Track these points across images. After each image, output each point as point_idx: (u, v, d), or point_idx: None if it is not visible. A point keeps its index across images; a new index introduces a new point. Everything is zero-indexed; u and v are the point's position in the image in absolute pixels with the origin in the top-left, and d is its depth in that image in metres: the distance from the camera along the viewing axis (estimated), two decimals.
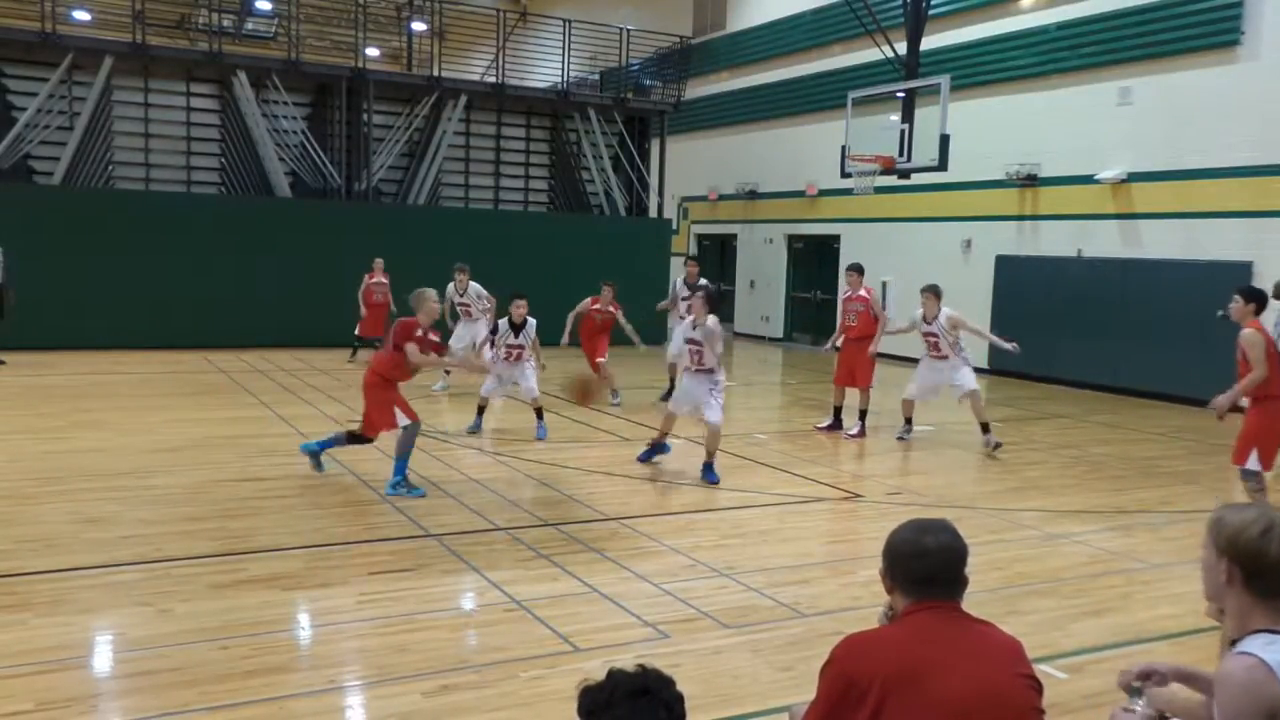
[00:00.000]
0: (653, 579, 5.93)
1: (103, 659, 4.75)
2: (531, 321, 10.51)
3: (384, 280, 15.95)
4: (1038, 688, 2.51)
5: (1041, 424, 12.41)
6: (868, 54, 16.85)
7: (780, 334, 22.69)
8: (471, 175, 21.43)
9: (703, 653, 4.87)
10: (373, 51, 27.37)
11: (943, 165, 13.29)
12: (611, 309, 12.58)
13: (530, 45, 23.41)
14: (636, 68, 23.62)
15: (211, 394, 12.61)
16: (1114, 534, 7.42)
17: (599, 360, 12.63)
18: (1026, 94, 16.71)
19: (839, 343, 11.53)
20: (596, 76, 24.28)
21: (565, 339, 12.56)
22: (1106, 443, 11.26)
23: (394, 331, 7.81)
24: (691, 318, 8.81)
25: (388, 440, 9.21)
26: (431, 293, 8.18)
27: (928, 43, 15.42)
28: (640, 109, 22.29)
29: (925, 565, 2.55)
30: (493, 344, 10.73)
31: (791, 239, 22.49)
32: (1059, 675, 4.67)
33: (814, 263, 21.82)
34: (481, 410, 10.62)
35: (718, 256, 24.54)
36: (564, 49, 21.20)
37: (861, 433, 11.03)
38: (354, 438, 8.05)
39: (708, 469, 8.61)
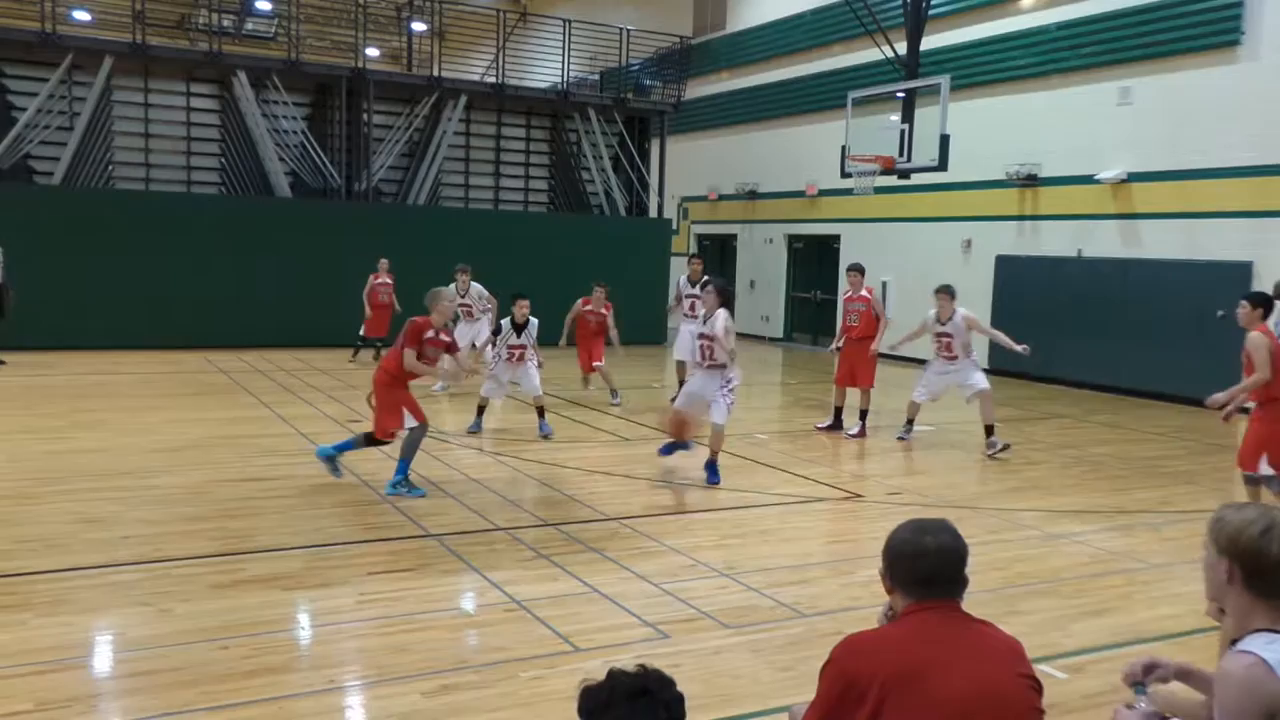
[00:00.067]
0: (653, 579, 5.93)
1: (103, 659, 4.75)
2: (534, 321, 10.58)
3: (389, 281, 15.98)
4: (1038, 688, 2.51)
5: (1042, 424, 12.41)
6: (868, 54, 16.85)
7: (780, 334, 22.70)
8: (471, 175, 21.44)
9: (703, 653, 4.87)
10: (373, 51, 27.39)
11: (943, 165, 13.29)
12: (604, 310, 12.58)
13: (530, 45, 23.41)
14: (636, 68, 23.63)
15: (211, 394, 12.61)
16: (1114, 534, 7.42)
17: (596, 364, 12.62)
18: (1026, 94, 16.72)
19: (840, 343, 11.53)
20: (596, 77, 24.28)
21: (563, 341, 12.60)
22: (1106, 443, 11.26)
23: (404, 331, 7.79)
24: (704, 312, 8.70)
25: (391, 445, 9.21)
26: (448, 292, 8.22)
27: (928, 43, 15.42)
28: (640, 109, 22.30)
29: (925, 565, 2.55)
30: (494, 344, 10.76)
31: (791, 239, 22.49)
32: (1059, 675, 4.67)
33: (814, 263, 21.82)
34: (481, 410, 10.63)
35: (718, 256, 24.53)
36: (564, 49, 21.20)
37: (862, 433, 11.03)
38: (371, 439, 7.94)
39: (711, 468, 8.58)
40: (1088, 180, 15.58)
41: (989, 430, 10.18)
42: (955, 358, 10.32)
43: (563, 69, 21.37)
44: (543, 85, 22.15)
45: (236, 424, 10.59)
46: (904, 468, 9.85)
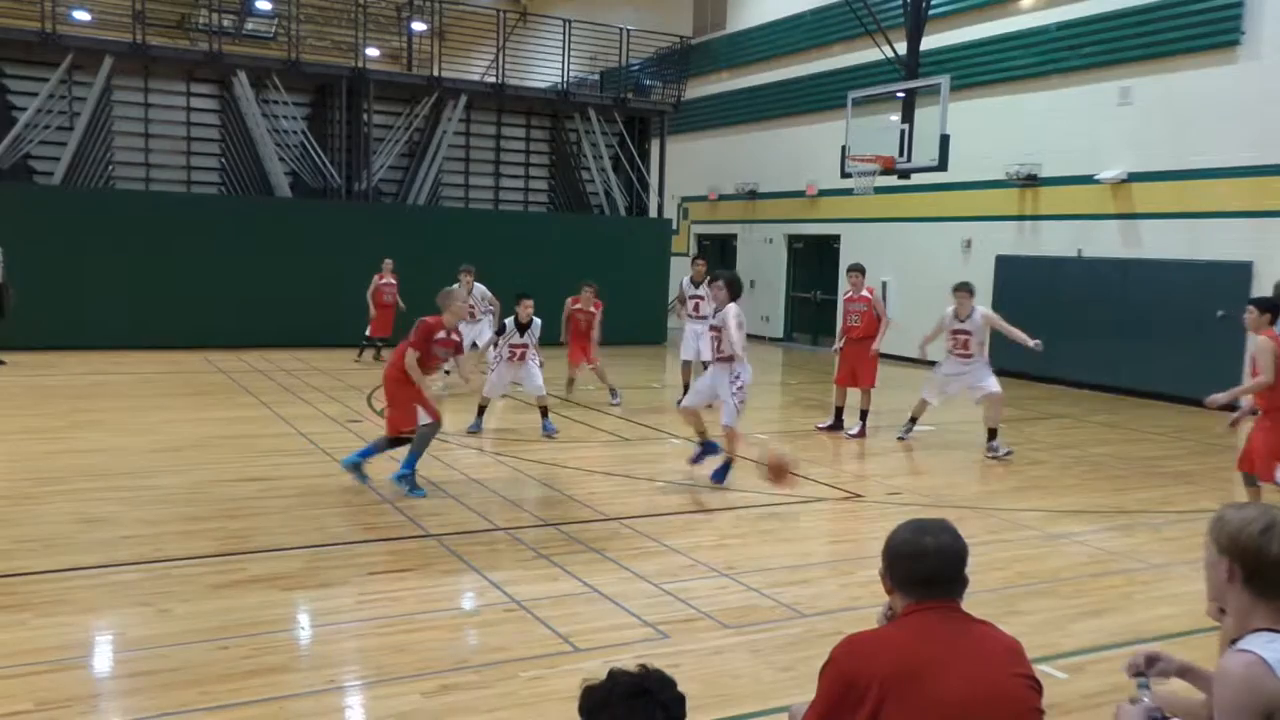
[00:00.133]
0: (653, 579, 5.93)
1: (103, 659, 4.75)
2: (537, 321, 10.62)
3: (393, 281, 16.02)
4: (1037, 688, 2.51)
5: (1042, 424, 12.41)
6: (868, 54, 16.85)
7: (780, 334, 22.70)
8: (471, 175, 21.43)
9: (703, 653, 4.87)
10: (373, 51, 27.38)
11: (943, 165, 13.28)
12: (593, 309, 12.54)
13: (530, 45, 23.41)
14: (636, 68, 23.63)
15: (211, 394, 12.61)
16: (1114, 534, 7.42)
17: (592, 365, 12.60)
18: (1026, 94, 16.72)
19: (841, 344, 11.51)
20: (596, 77, 24.28)
21: (564, 336, 12.62)
22: (1107, 443, 11.26)
23: (415, 331, 7.75)
24: (714, 307, 8.53)
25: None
26: (460, 292, 8.21)
27: (928, 43, 15.42)
28: (640, 109, 22.29)
29: (924, 566, 2.55)
30: (496, 344, 10.77)
31: (791, 239, 22.49)
32: (1059, 675, 4.67)
33: (814, 263, 21.82)
34: (482, 410, 10.64)
35: (718, 256, 24.52)
36: (564, 49, 21.20)
37: (862, 433, 11.03)
38: (392, 441, 7.87)
39: (718, 470, 8.50)
40: (1088, 180, 15.58)
41: (992, 434, 10.14)
42: (970, 356, 10.22)
43: (563, 69, 21.37)
44: (543, 85, 22.15)
45: (236, 424, 10.59)
46: (904, 468, 9.85)
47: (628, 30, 22.01)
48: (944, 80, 13.22)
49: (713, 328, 8.52)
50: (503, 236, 19.00)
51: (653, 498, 8.14)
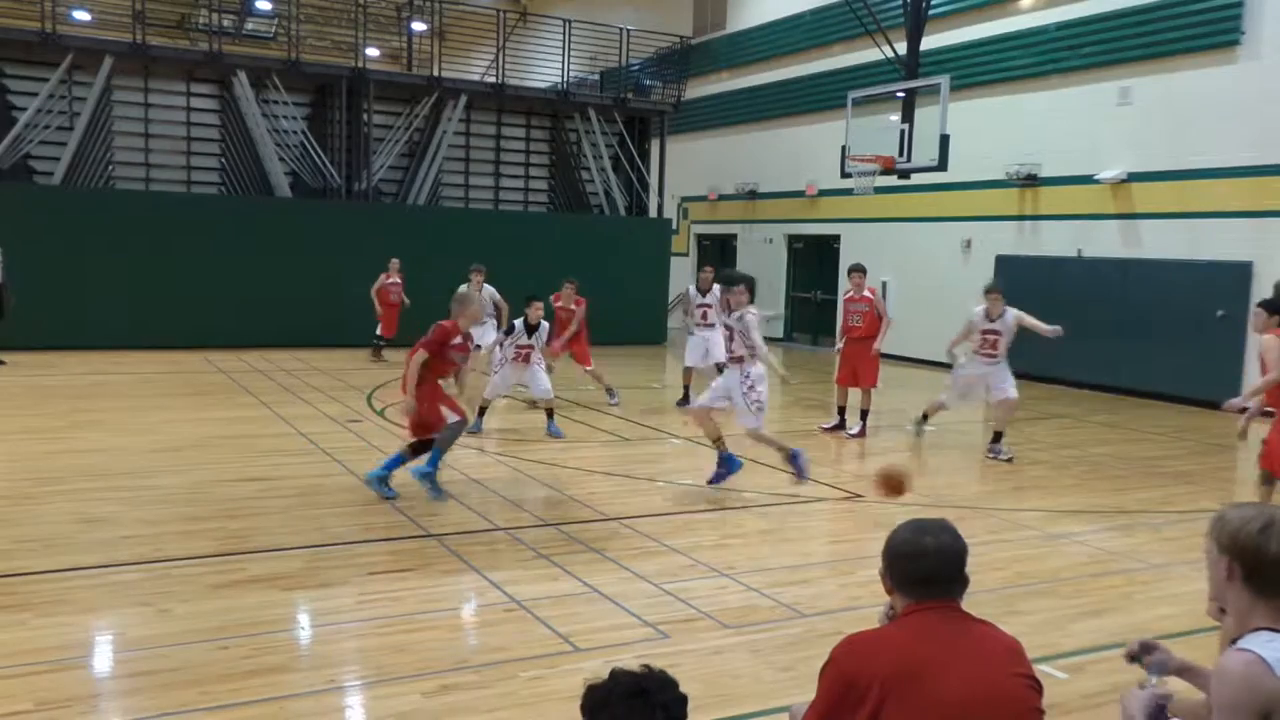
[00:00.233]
0: (653, 579, 5.93)
1: (103, 659, 4.75)
2: (545, 324, 10.62)
3: (399, 280, 16.03)
4: (1037, 688, 2.51)
5: (1042, 424, 12.40)
6: (868, 54, 16.85)
7: (780, 334, 22.69)
8: (471, 175, 21.43)
9: (703, 653, 4.87)
10: (373, 51, 27.38)
11: (943, 165, 13.28)
12: (574, 306, 12.49)
13: (530, 45, 23.41)
14: (636, 68, 23.63)
15: (211, 394, 12.61)
16: (1114, 534, 7.42)
17: (588, 369, 12.58)
18: (1026, 94, 16.72)
19: (841, 344, 11.51)
20: (596, 77, 24.28)
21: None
22: (1106, 443, 11.26)
23: (429, 334, 7.58)
24: (737, 313, 8.16)
25: (388, 443, 9.23)
26: (476, 296, 8.16)
27: (928, 43, 15.41)
28: (640, 109, 22.29)
29: (923, 565, 2.55)
30: (501, 346, 10.74)
31: (791, 239, 22.49)
32: (1059, 675, 4.67)
33: (814, 263, 21.83)
34: (483, 411, 10.65)
35: (718, 257, 24.53)
36: (564, 49, 21.21)
37: (862, 432, 11.03)
38: (416, 449, 7.69)
39: (716, 475, 8.36)
40: (1088, 180, 15.58)
41: (997, 436, 10.13)
42: (996, 357, 10.14)
43: (563, 69, 21.37)
44: (543, 85, 22.15)
45: (236, 424, 10.59)
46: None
47: (628, 30, 22.01)
48: (944, 80, 13.21)
49: (726, 326, 8.30)
50: (502, 236, 18.99)
51: (653, 498, 8.14)
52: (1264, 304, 7.01)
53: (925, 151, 13.47)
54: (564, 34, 21.22)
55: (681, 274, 23.95)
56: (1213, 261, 13.92)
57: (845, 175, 14.73)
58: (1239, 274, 13.48)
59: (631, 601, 5.54)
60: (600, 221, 21.29)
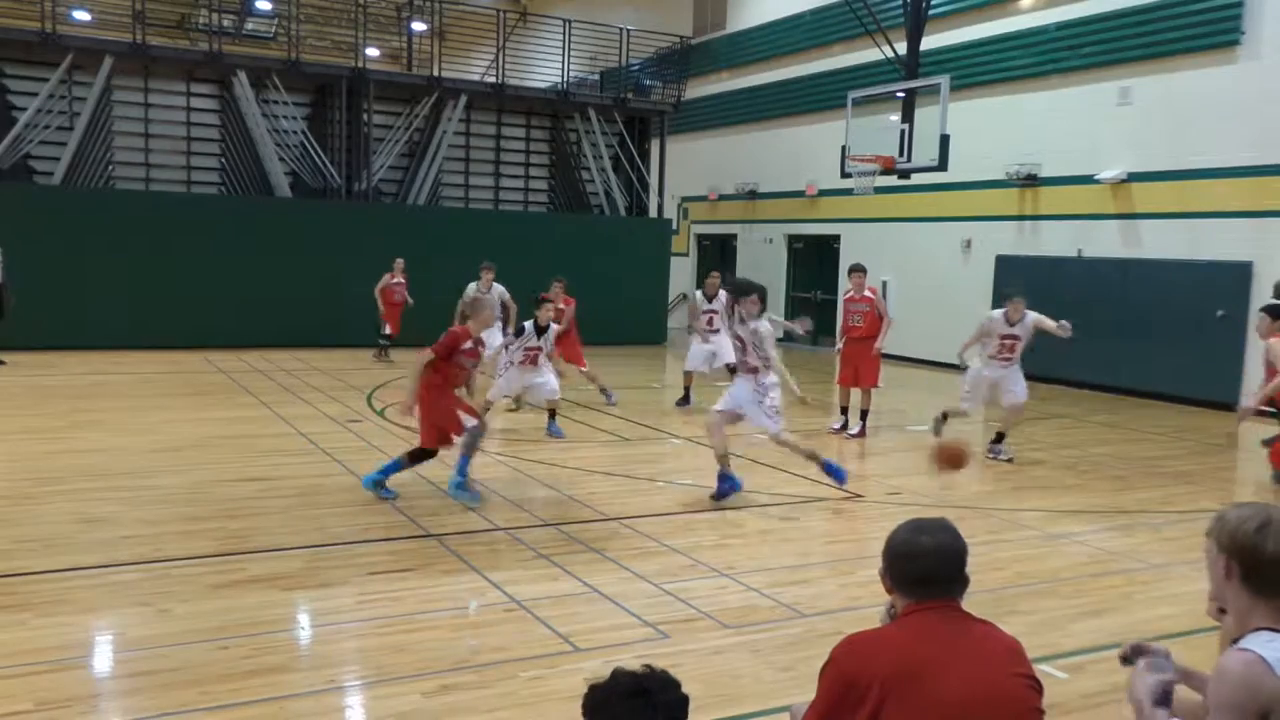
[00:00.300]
0: (653, 579, 5.93)
1: (103, 659, 4.75)
2: (553, 326, 10.56)
3: (403, 280, 16.04)
4: (1037, 688, 2.51)
5: (1042, 424, 12.39)
6: (868, 54, 16.85)
7: (780, 334, 22.63)
8: (471, 175, 21.44)
9: (703, 653, 4.87)
10: (373, 51, 27.37)
11: (943, 165, 13.29)
12: (562, 305, 12.39)
13: (530, 45, 23.41)
14: (636, 68, 23.62)
15: (211, 394, 12.61)
16: (1114, 534, 7.42)
17: (581, 369, 12.55)
18: (1026, 94, 16.72)
19: (842, 344, 11.50)
20: (596, 77, 24.28)
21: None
22: (1106, 443, 11.26)
23: (442, 339, 7.51)
24: (751, 323, 7.99)
25: (388, 443, 9.23)
26: (489, 300, 8.12)
27: (928, 43, 15.42)
28: (640, 109, 22.29)
29: (923, 565, 2.55)
30: (508, 347, 10.66)
31: (791, 239, 22.49)
32: (1059, 675, 4.67)
33: (814, 263, 21.82)
34: (484, 411, 10.62)
35: (718, 257, 24.53)
36: (564, 49, 21.20)
37: (862, 432, 11.04)
38: (416, 456, 7.64)
39: (720, 490, 8.18)
40: (1088, 180, 15.58)
41: (999, 436, 10.11)
42: (1012, 360, 10.10)
43: (563, 69, 21.37)
44: (543, 85, 22.15)
45: (236, 424, 10.59)
46: (904, 468, 9.84)
47: (628, 30, 22.01)
48: (944, 80, 13.22)
49: (737, 336, 8.10)
50: (502, 236, 18.97)
51: (653, 498, 8.14)
52: (1267, 309, 7.04)
53: (925, 151, 13.47)
54: (564, 34, 21.22)
55: (681, 274, 23.97)
56: (1213, 261, 13.92)
57: (845, 175, 14.74)
58: (1239, 274, 13.48)
59: (632, 601, 5.53)
60: (600, 222, 21.29)
